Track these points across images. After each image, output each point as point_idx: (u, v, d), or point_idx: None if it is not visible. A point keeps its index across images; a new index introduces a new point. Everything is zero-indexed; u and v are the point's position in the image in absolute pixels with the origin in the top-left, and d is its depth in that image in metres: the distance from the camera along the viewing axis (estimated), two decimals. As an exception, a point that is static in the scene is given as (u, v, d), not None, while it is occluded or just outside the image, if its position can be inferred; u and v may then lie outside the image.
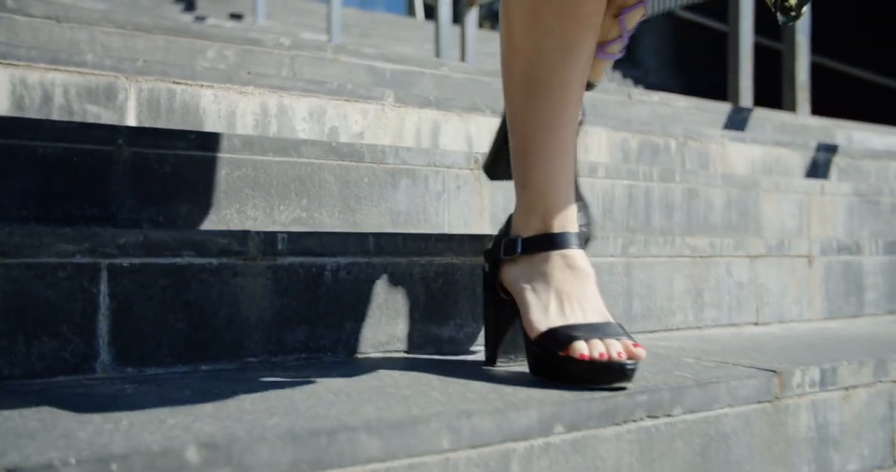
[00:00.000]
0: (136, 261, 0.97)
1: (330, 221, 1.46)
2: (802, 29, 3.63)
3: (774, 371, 1.07)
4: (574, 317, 0.95)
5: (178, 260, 0.99)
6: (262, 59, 2.18)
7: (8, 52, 1.51)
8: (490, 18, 10.43)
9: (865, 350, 1.29)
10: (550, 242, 1.00)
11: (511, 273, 1.02)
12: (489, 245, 1.07)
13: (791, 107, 3.61)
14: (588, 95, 2.89)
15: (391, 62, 2.42)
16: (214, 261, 1.02)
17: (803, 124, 3.39)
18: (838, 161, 2.91)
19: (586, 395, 0.89)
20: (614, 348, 0.91)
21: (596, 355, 0.91)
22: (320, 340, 1.09)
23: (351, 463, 0.73)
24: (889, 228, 2.42)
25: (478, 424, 0.80)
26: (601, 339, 0.92)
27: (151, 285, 0.98)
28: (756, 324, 1.58)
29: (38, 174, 1.22)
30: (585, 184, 1.81)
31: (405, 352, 1.16)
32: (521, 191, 1.03)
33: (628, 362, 0.91)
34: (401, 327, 1.15)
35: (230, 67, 1.93)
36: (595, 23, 1.00)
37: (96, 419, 0.73)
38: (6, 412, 0.76)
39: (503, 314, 1.04)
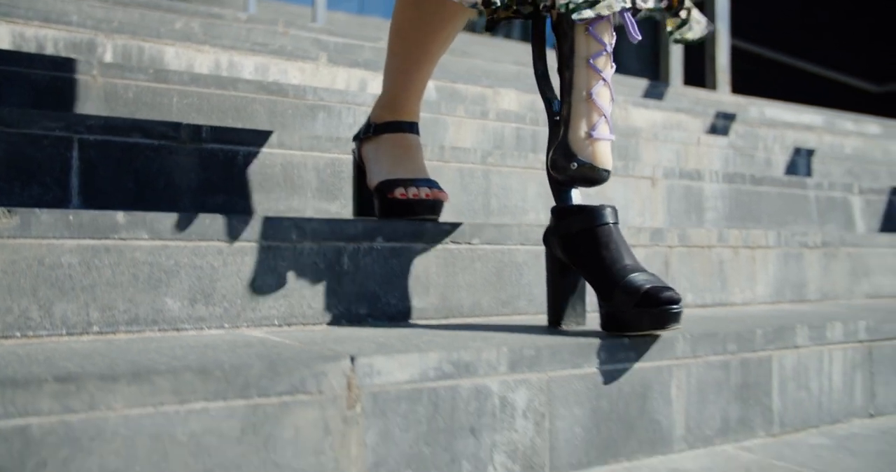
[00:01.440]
0: (99, 137, 1.38)
1: (260, 141, 1.87)
2: (722, 17, 4.06)
3: (562, 226, 1.47)
4: (401, 174, 1.37)
5: (129, 139, 1.41)
6: (223, 31, 2.59)
7: (10, 11, 1.93)
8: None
9: (659, 230, 1.69)
10: (392, 126, 1.41)
11: (365, 148, 1.43)
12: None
13: (712, 86, 4.03)
14: (511, 67, 3.30)
15: (335, 36, 2.84)
16: (156, 142, 1.43)
17: (718, 100, 3.80)
18: (737, 127, 3.32)
19: (404, 221, 1.30)
20: (423, 191, 1.33)
21: (410, 195, 1.33)
22: (234, 205, 1.50)
23: (226, 238, 1.14)
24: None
25: (317, 226, 1.21)
26: (416, 186, 1.34)
27: (110, 155, 1.39)
28: (602, 228, 1.98)
29: (32, 94, 1.64)
30: (477, 126, 2.23)
31: (300, 219, 1.57)
32: (383, 92, 1.43)
33: (433, 200, 1.33)
34: (296, 202, 1.56)
35: (193, 33, 2.34)
36: None
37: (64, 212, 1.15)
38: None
39: (363, 181, 1.45)
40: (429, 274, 1.32)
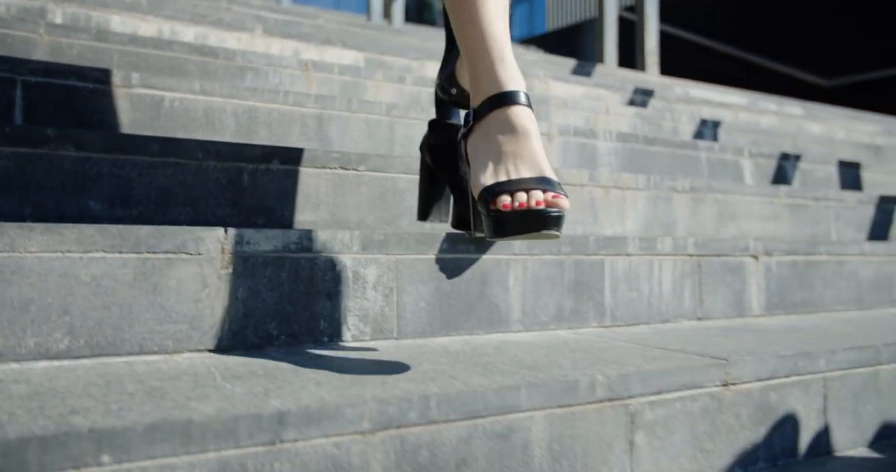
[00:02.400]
0: (40, 79, 1.61)
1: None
2: (651, 3, 4.32)
3: (442, 160, 1.72)
4: (507, 175, 1.05)
5: (66, 82, 1.64)
6: (168, 3, 2.82)
7: (-32, -20, 2.15)
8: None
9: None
10: (492, 104, 1.07)
11: (471, 141, 1.10)
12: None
13: (642, 67, 4.30)
14: (443, 45, 3.56)
15: (276, 13, 3.08)
16: (90, 85, 1.67)
17: (645, 79, 4.07)
18: (655, 103, 3.59)
19: (299, 148, 1.55)
20: (534, 198, 1.01)
21: (516, 205, 1.01)
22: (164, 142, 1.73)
23: (142, 153, 1.38)
24: (667, 143, 3.09)
25: (220, 148, 1.45)
26: (526, 190, 1.02)
27: (49, 95, 1.62)
28: (501, 177, 2.23)
29: (-15, 48, 1.86)
30: (394, 89, 2.47)
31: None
32: (470, 68, 1.12)
33: (551, 210, 1.01)
34: (217, 138, 1.80)
35: (139, 4, 2.57)
36: None
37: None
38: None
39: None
40: (319, 194, 1.56)
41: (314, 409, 0.82)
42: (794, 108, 4.65)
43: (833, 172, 3.15)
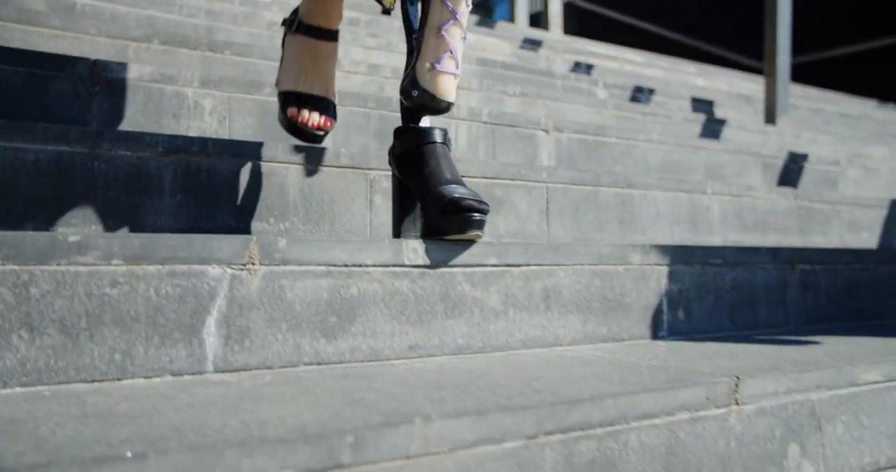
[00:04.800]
0: (-24, -17, 2.08)
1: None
2: (554, -29, 4.84)
3: (296, 52, 2.20)
4: (304, 87, 1.43)
5: (-3, -14, 2.11)
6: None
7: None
8: None
9: (385, 71, 2.42)
10: (312, 31, 1.44)
11: (287, 42, 1.47)
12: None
13: (545, 27, 4.81)
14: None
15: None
16: (16, -10, 2.13)
17: (543, 35, 4.56)
18: (542, 52, 4.08)
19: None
20: (313, 119, 1.42)
21: (300, 120, 1.42)
22: (65, 20, 2.21)
23: (46, 27, 1.85)
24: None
25: (111, 28, 1.92)
26: (309, 111, 1.42)
27: (-17, -5, 2.09)
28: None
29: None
30: (289, 18, 2.94)
31: (123, 52, 2.28)
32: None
33: (317, 131, 1.43)
34: (121, 39, 2.27)
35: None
36: None
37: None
38: None
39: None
40: (192, 69, 2.03)
41: (123, 133, 1.30)
42: (688, 67, 5.16)
43: (686, 105, 3.65)
